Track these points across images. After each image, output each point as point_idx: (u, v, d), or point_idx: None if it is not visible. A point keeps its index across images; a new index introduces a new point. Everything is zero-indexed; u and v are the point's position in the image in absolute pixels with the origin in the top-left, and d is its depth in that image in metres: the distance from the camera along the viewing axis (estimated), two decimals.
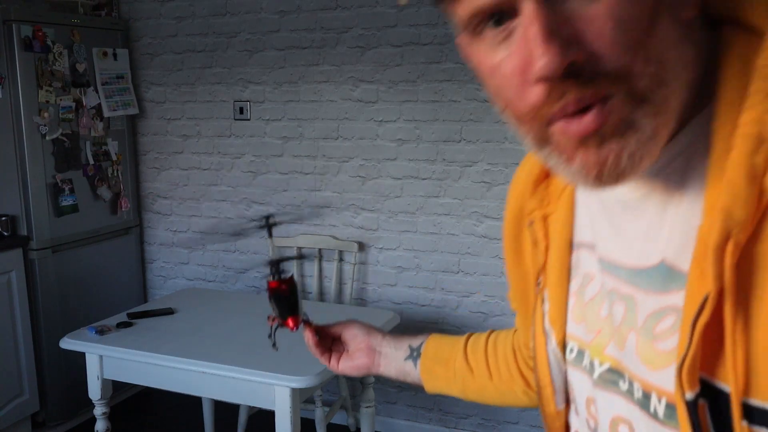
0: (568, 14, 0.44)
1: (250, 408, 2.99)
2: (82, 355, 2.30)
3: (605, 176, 0.47)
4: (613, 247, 0.58)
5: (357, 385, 3.08)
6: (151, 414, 3.39)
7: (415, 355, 0.96)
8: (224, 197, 3.43)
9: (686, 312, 0.47)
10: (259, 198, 3.35)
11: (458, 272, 2.99)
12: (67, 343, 2.32)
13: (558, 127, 0.47)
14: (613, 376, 0.59)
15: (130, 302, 3.44)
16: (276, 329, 1.01)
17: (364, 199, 3.13)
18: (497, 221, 2.88)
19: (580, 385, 0.64)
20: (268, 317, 1.01)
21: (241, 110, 3.31)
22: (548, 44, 0.43)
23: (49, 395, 3.12)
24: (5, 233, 2.99)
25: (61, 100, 3.11)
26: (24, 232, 3.04)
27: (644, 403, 0.55)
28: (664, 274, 0.52)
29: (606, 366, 0.60)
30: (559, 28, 0.44)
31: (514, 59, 0.47)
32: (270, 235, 1.07)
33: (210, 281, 3.55)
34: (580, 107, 0.46)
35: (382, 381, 3.14)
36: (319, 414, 2.85)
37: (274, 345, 1.02)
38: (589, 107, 0.45)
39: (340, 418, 3.23)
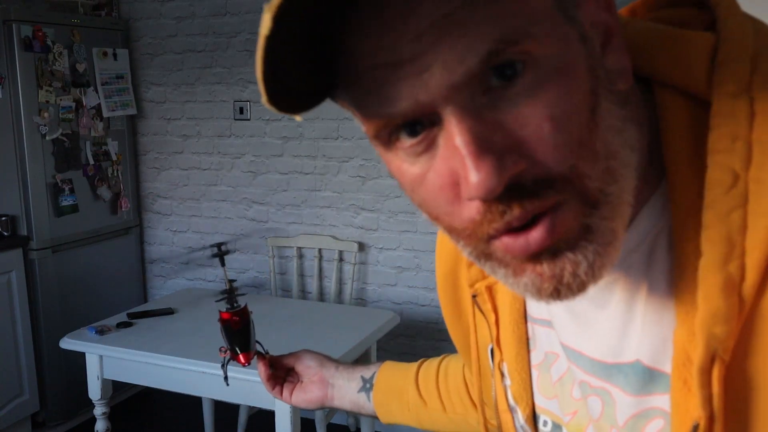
0: (500, 119, 0.38)
1: (250, 408, 2.99)
2: (82, 355, 2.30)
3: (563, 291, 0.41)
4: (574, 335, 0.52)
5: None
6: (151, 414, 3.39)
7: (367, 386, 0.93)
8: (224, 197, 3.43)
9: None
10: (259, 198, 3.35)
11: None
12: (67, 343, 2.32)
13: (502, 244, 0.40)
14: None
15: (130, 302, 3.44)
16: (227, 362, 0.97)
17: (364, 199, 3.13)
18: None
19: None
20: (220, 349, 0.96)
21: (241, 110, 3.31)
22: (481, 160, 0.37)
23: (49, 395, 3.12)
24: (5, 233, 2.99)
25: (61, 100, 3.11)
26: (24, 232, 3.04)
27: None
28: (641, 375, 0.47)
29: None
30: (492, 138, 0.37)
31: (440, 173, 0.40)
32: (222, 263, 1.02)
33: (210, 281, 3.55)
34: (525, 221, 0.39)
35: None
36: (319, 414, 2.85)
37: (225, 379, 0.98)
38: (538, 219, 0.39)
39: (340, 418, 3.23)
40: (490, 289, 0.60)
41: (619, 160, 0.40)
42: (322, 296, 3.22)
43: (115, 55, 3.37)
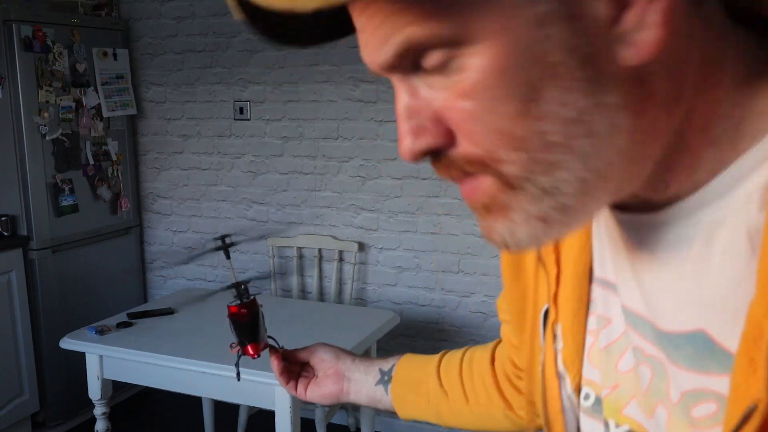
0: (429, 97, 0.40)
1: (250, 408, 2.99)
2: (82, 355, 2.30)
3: (497, 245, 0.42)
4: (636, 296, 0.48)
5: None
6: (151, 414, 3.39)
7: (386, 379, 0.89)
8: (224, 197, 3.43)
9: (728, 417, 0.39)
10: (259, 198, 3.35)
11: (458, 272, 2.99)
12: (67, 343, 2.32)
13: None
14: None
15: (130, 302, 3.44)
16: (240, 358, 0.95)
17: (364, 199, 3.13)
18: None
19: None
20: (231, 345, 0.94)
21: (241, 110, 3.31)
22: (404, 131, 0.41)
23: (49, 395, 3.12)
24: (5, 233, 2.99)
25: (61, 100, 3.11)
26: (24, 232, 3.04)
27: None
28: (701, 347, 0.43)
29: (625, 428, 0.52)
30: (418, 113, 0.40)
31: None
32: (227, 256, 1.00)
33: (210, 281, 3.55)
34: (457, 179, 0.42)
35: None
36: (319, 414, 2.85)
37: (237, 375, 0.97)
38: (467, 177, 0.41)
39: (340, 418, 3.23)
40: (556, 241, 0.56)
41: (561, 151, 0.38)
42: (322, 296, 3.22)
43: (115, 55, 3.37)
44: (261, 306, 0.95)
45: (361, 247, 3.14)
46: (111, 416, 2.42)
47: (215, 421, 3.03)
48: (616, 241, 0.50)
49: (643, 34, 0.36)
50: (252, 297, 0.94)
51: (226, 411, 3.07)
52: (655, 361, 0.47)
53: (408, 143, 0.41)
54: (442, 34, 0.37)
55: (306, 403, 2.78)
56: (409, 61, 0.39)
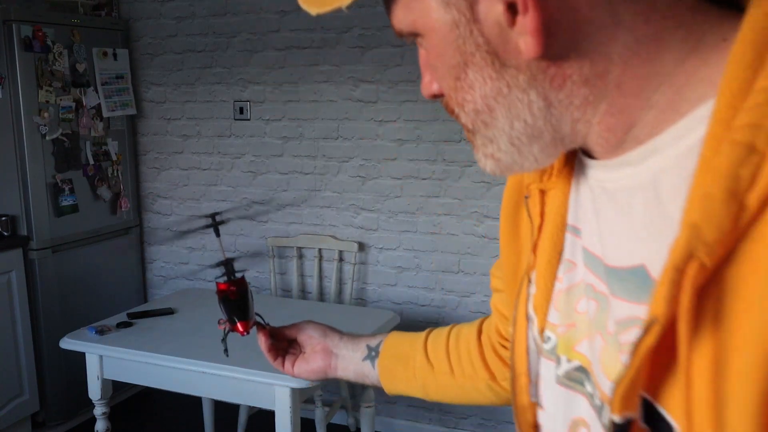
0: (424, 57, 0.55)
1: (250, 408, 2.99)
2: (82, 355, 2.30)
3: (487, 169, 0.54)
4: (596, 238, 0.54)
5: (357, 385, 3.08)
6: (151, 414, 3.39)
7: (373, 354, 0.92)
8: (224, 197, 3.43)
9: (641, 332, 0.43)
10: (259, 198, 3.35)
11: (458, 272, 2.99)
12: (67, 343, 2.32)
13: None
14: (580, 376, 0.56)
15: (130, 302, 3.45)
16: (227, 333, 0.97)
17: (364, 199, 3.13)
18: (497, 221, 2.87)
19: (548, 377, 0.61)
20: (219, 321, 0.96)
21: (241, 110, 3.31)
22: (423, 77, 0.56)
23: (49, 395, 3.12)
24: (5, 233, 2.99)
25: (61, 100, 3.11)
26: (24, 232, 3.04)
27: (600, 411, 0.52)
28: (639, 281, 0.47)
29: (575, 364, 0.57)
30: (425, 67, 0.56)
31: None
32: (217, 234, 1.02)
33: (210, 281, 3.54)
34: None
35: None
36: (319, 414, 2.85)
37: (225, 351, 0.99)
38: None
39: (340, 418, 3.23)
40: (542, 194, 0.62)
41: (489, 116, 0.51)
42: (322, 296, 3.22)
43: (115, 55, 3.37)
44: (249, 284, 0.97)
45: (361, 247, 3.14)
46: (111, 416, 2.42)
47: (215, 421, 3.03)
48: (585, 189, 0.56)
49: (525, 38, 0.46)
50: (241, 275, 0.96)
51: (226, 411, 3.07)
52: (601, 296, 0.52)
53: (422, 87, 0.57)
54: (404, 30, 0.53)
55: (306, 402, 2.79)
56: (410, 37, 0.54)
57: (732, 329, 0.39)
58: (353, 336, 0.95)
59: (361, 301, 3.19)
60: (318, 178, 3.21)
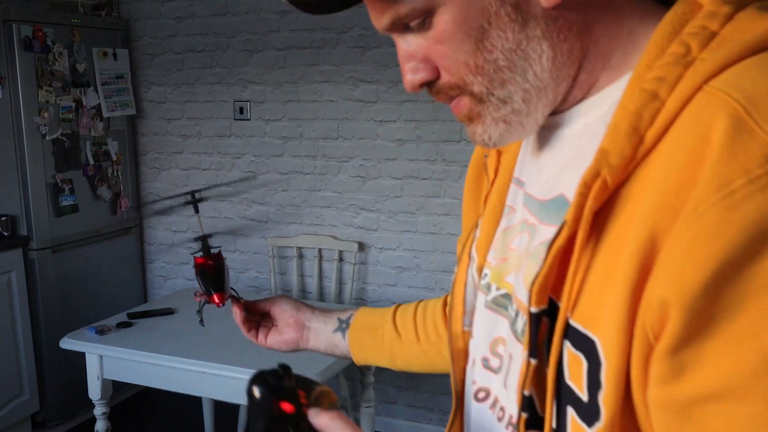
0: (419, 44, 0.57)
1: None
2: (82, 355, 2.30)
3: (480, 143, 0.59)
4: (534, 182, 0.62)
5: (357, 385, 3.08)
6: (151, 414, 3.39)
7: (343, 326, 0.96)
8: (224, 197, 3.43)
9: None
10: (259, 198, 3.35)
11: None
12: (67, 343, 2.32)
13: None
14: (505, 302, 0.63)
15: (130, 302, 3.44)
16: (203, 305, 1.02)
17: (364, 199, 3.13)
18: None
19: (480, 307, 0.68)
20: (195, 293, 1.01)
21: (241, 110, 3.31)
22: (405, 70, 0.58)
23: (49, 395, 3.12)
24: (5, 233, 2.99)
25: (61, 100, 3.11)
26: (24, 232, 3.04)
27: (515, 322, 0.60)
28: (560, 207, 0.55)
29: (502, 291, 0.64)
30: (413, 56, 0.57)
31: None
32: (196, 210, 1.06)
33: None
34: (446, 101, 0.59)
35: (382, 381, 3.14)
36: None
37: (201, 321, 1.04)
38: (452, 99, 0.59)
39: None
40: (499, 154, 0.71)
41: (509, 71, 0.55)
42: (322, 296, 3.22)
43: (115, 55, 3.37)
44: (225, 259, 1.02)
45: (361, 247, 3.14)
46: (111, 416, 2.42)
47: (215, 421, 3.03)
48: (532, 144, 0.64)
49: None
50: (218, 250, 1.01)
51: (226, 411, 3.07)
52: (531, 226, 0.60)
53: (409, 78, 0.58)
54: (417, 8, 0.54)
55: None
56: (400, 26, 0.56)
57: (620, 236, 0.47)
58: (324, 310, 0.99)
59: (361, 301, 3.19)
60: (318, 178, 3.21)
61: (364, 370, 2.57)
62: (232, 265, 3.47)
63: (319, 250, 3.18)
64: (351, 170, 3.14)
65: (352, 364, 2.55)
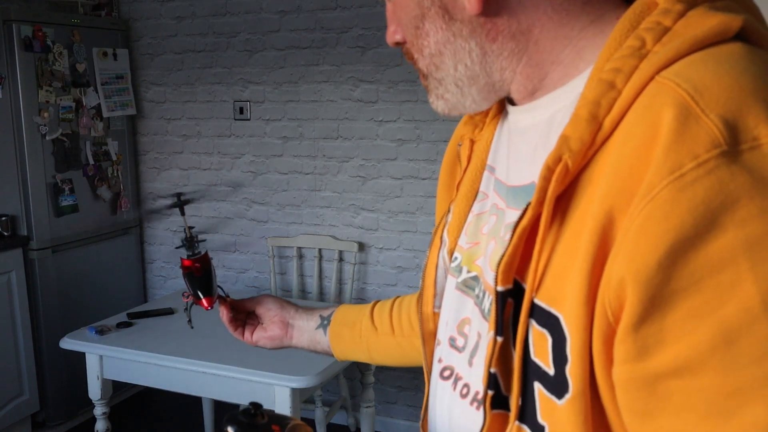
0: (390, 10, 0.65)
1: None
2: (82, 355, 2.31)
3: (438, 110, 0.65)
4: (505, 169, 0.66)
5: (357, 385, 3.08)
6: (151, 414, 3.39)
7: (325, 323, 1.00)
8: (224, 197, 3.43)
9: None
10: (259, 198, 3.35)
11: None
12: (67, 343, 2.32)
13: None
14: (473, 283, 0.66)
15: (130, 302, 3.45)
16: (191, 306, 1.04)
17: (364, 199, 3.13)
18: None
19: (450, 289, 0.71)
20: (183, 294, 1.02)
21: (241, 110, 3.31)
22: (388, 27, 0.67)
23: (49, 395, 3.12)
24: (5, 233, 2.99)
25: (61, 100, 3.11)
26: (24, 232, 3.04)
27: (482, 302, 0.63)
28: (529, 192, 0.57)
29: (472, 274, 0.67)
30: (390, 18, 0.66)
31: None
32: (182, 213, 1.08)
33: None
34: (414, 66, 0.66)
35: (382, 381, 3.14)
36: (319, 414, 2.85)
37: (189, 322, 1.07)
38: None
39: (340, 418, 3.23)
40: (472, 143, 0.75)
41: (440, 58, 0.62)
42: (322, 296, 3.22)
43: (115, 55, 3.37)
44: (212, 259, 1.04)
45: (361, 247, 3.14)
46: (111, 416, 2.42)
47: (215, 421, 3.03)
48: (504, 132, 0.68)
49: None
50: (204, 252, 1.02)
51: (226, 411, 3.07)
52: (500, 210, 0.64)
53: (389, 35, 0.67)
54: None
55: (306, 402, 2.79)
56: None
57: (582, 218, 0.49)
58: (308, 309, 1.03)
59: (361, 301, 3.19)
60: (318, 178, 3.21)
61: (364, 370, 2.57)
62: (231, 266, 3.47)
63: (319, 250, 3.18)
64: (351, 170, 3.14)
65: (353, 364, 2.56)
